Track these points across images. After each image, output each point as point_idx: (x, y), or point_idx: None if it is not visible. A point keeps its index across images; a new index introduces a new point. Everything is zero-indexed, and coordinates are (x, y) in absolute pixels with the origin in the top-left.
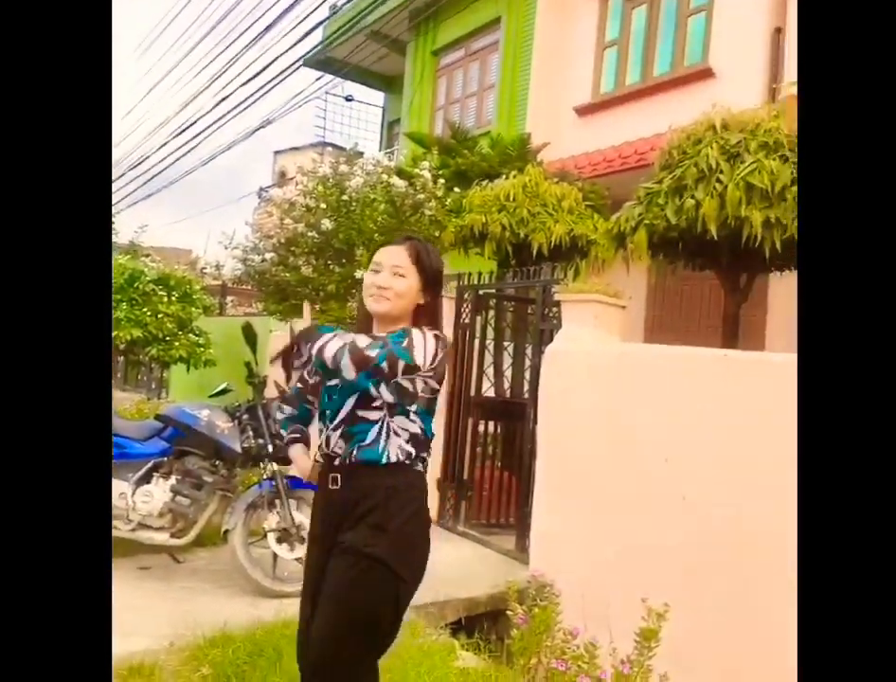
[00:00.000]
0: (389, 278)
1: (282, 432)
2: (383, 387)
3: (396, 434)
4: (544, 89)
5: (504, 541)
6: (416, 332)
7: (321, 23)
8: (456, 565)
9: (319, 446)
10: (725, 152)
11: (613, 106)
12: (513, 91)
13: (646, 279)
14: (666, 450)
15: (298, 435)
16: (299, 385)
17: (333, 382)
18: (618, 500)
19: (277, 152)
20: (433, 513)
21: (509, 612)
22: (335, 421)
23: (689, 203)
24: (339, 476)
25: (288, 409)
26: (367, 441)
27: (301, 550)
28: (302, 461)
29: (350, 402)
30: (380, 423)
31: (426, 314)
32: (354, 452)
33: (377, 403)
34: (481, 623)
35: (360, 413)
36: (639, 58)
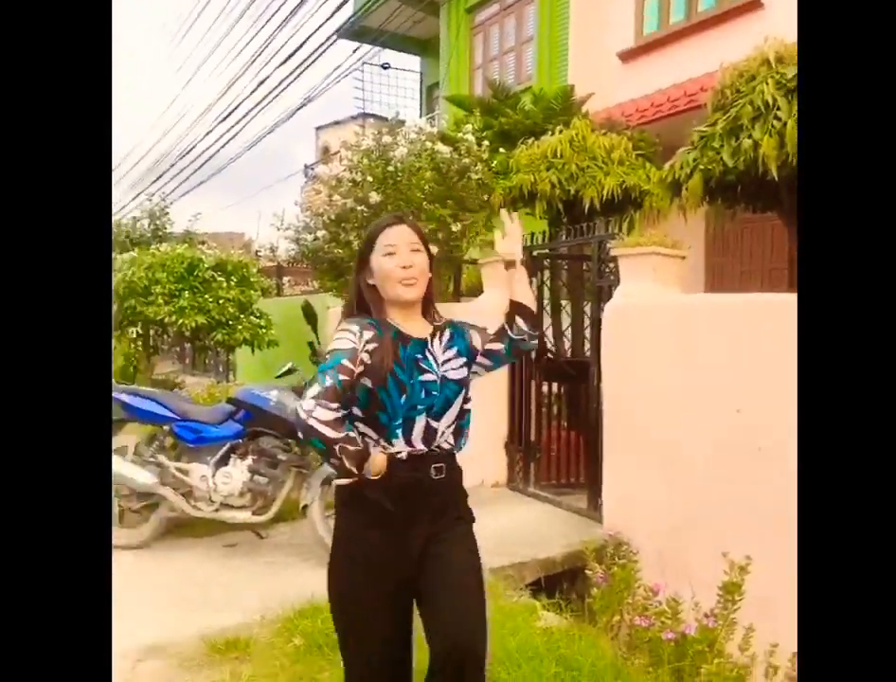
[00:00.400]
0: (410, 255)
1: (347, 433)
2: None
3: None
4: (584, 37)
5: (575, 500)
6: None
7: None
8: (530, 527)
9: (408, 440)
10: (782, 87)
11: (657, 48)
12: (552, 42)
13: (704, 226)
14: (737, 401)
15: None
16: (344, 377)
17: (429, 377)
18: (691, 454)
19: (318, 128)
20: (502, 476)
21: (587, 571)
22: (447, 417)
23: (746, 143)
24: (443, 466)
25: (337, 407)
26: (466, 431)
27: None
28: (382, 462)
29: (461, 396)
30: (470, 412)
31: (431, 292)
32: (460, 443)
33: (470, 394)
34: (560, 583)
35: (465, 407)
36: None
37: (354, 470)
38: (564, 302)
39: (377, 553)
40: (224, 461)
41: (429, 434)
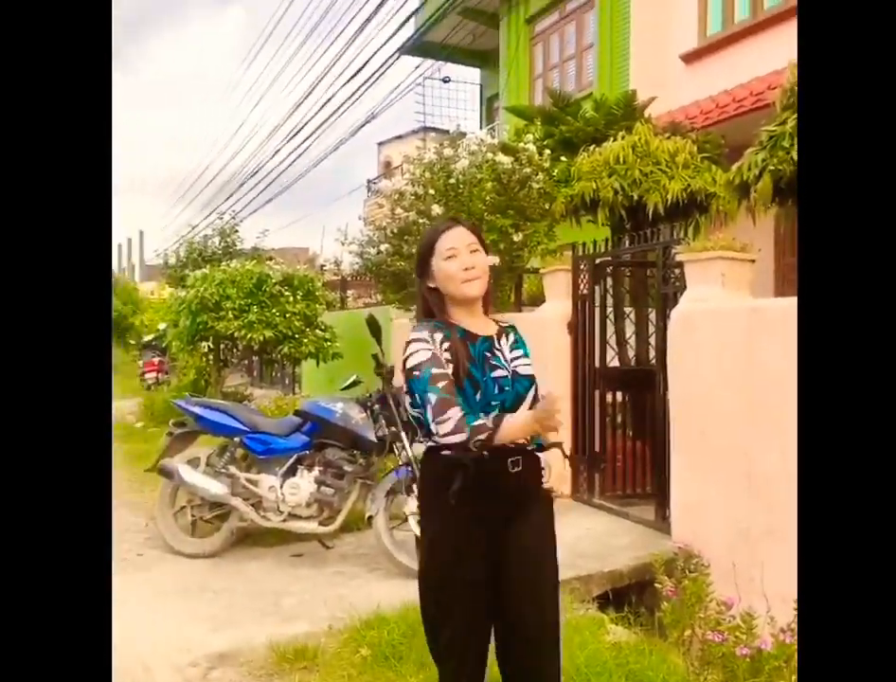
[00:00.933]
0: (471, 256)
1: (480, 422)
2: None
3: None
4: (645, 41)
5: (642, 511)
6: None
7: (415, 11)
8: (596, 539)
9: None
10: None
11: (722, 48)
12: (613, 48)
13: (773, 228)
14: None
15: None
16: (443, 383)
17: (501, 373)
18: (761, 463)
19: (380, 144)
20: (567, 487)
21: (657, 584)
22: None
23: None
24: (520, 459)
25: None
26: None
27: None
28: (523, 417)
29: (531, 392)
30: None
31: (488, 290)
32: (536, 439)
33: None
34: (628, 596)
35: (536, 402)
36: None
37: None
38: (627, 310)
39: (462, 537)
40: (291, 472)
41: None
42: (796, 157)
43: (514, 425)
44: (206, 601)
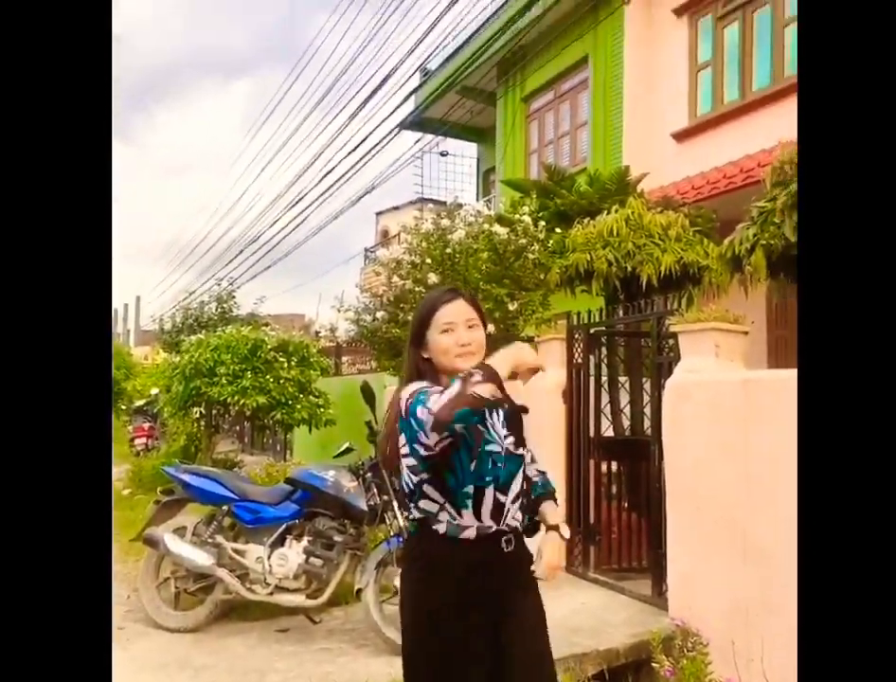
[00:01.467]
0: (468, 332)
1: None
2: None
3: None
4: (637, 120)
5: (638, 586)
6: None
7: (416, 89)
8: (591, 614)
9: (476, 513)
10: None
11: (712, 127)
12: (606, 125)
13: (765, 301)
14: None
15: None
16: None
17: (495, 448)
18: (759, 537)
19: (378, 213)
20: (561, 562)
21: (654, 664)
22: (512, 491)
23: None
24: (512, 538)
25: None
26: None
27: None
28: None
29: (522, 471)
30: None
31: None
32: (526, 519)
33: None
34: (625, 675)
35: (525, 484)
36: (736, 75)
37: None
38: (622, 379)
39: (450, 624)
40: (279, 542)
41: (497, 509)
42: (786, 233)
43: (495, 362)
44: (187, 679)
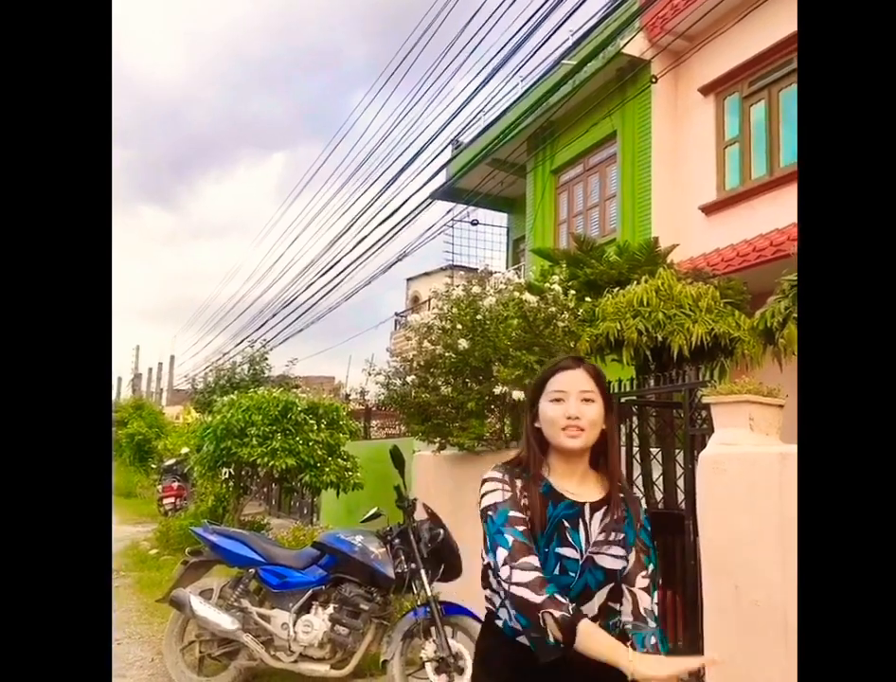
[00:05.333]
0: (580, 405)
1: (551, 595)
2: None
3: None
4: (666, 193)
5: None
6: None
7: (448, 162)
8: None
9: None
10: None
11: (740, 202)
12: (635, 198)
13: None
14: None
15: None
16: (521, 527)
17: (570, 552)
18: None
19: (409, 279)
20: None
21: None
22: (587, 609)
23: None
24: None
25: (535, 565)
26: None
27: (460, 681)
28: (613, 646)
29: (607, 589)
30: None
31: (610, 443)
32: None
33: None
34: None
35: (615, 606)
36: (763, 151)
37: (560, 639)
38: (654, 450)
39: None
40: (305, 609)
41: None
42: None
43: (598, 640)
44: None
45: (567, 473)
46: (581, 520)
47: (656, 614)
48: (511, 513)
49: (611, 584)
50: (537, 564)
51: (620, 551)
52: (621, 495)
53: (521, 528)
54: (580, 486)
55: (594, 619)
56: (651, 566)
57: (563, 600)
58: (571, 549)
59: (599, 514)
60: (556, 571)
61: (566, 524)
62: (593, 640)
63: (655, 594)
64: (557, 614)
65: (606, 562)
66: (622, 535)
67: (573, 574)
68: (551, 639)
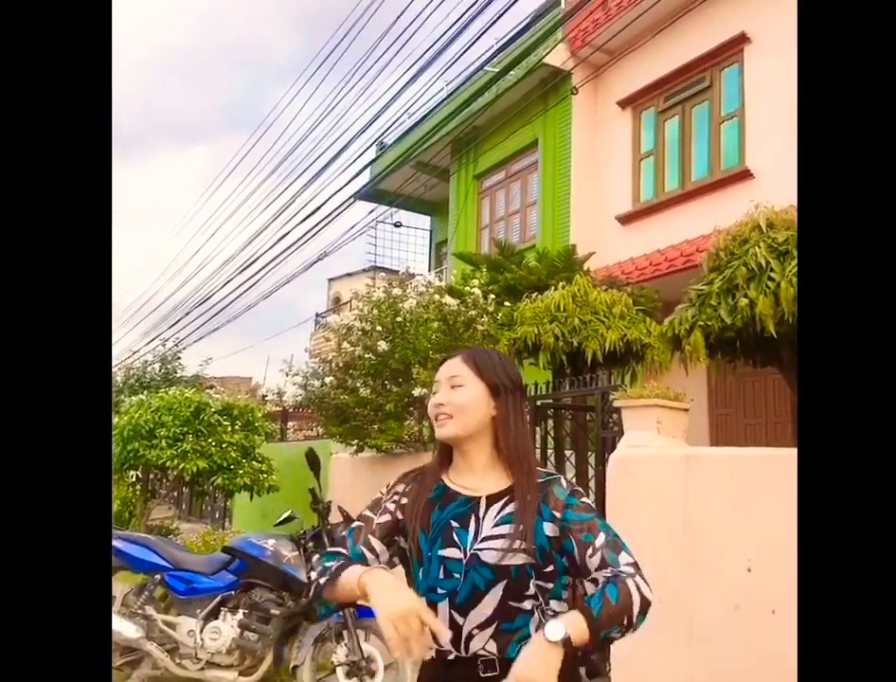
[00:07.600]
0: (448, 392)
1: (324, 564)
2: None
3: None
4: (584, 202)
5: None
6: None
7: (372, 162)
8: None
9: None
10: (774, 250)
11: (654, 213)
12: (555, 206)
13: (706, 379)
14: (747, 559)
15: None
16: (359, 523)
17: (453, 553)
18: (700, 616)
19: (331, 280)
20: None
21: None
22: (476, 613)
23: (742, 302)
24: (495, 661)
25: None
26: (516, 636)
27: None
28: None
29: (500, 588)
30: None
31: (504, 428)
32: (512, 650)
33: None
34: None
35: (515, 605)
36: (676, 165)
37: (331, 599)
38: (568, 452)
39: None
40: (213, 615)
41: (456, 632)
42: (722, 315)
43: (349, 581)
44: None
45: (466, 468)
46: (473, 516)
47: (633, 571)
48: (363, 513)
49: (504, 582)
50: (339, 551)
51: (508, 544)
52: (540, 481)
53: (356, 524)
54: (481, 480)
55: (489, 623)
56: (598, 540)
57: (333, 563)
58: (454, 549)
59: (496, 507)
60: (440, 575)
61: (455, 523)
62: (346, 582)
63: (623, 555)
64: (323, 579)
65: (490, 557)
66: (519, 526)
67: (457, 575)
68: (330, 606)
